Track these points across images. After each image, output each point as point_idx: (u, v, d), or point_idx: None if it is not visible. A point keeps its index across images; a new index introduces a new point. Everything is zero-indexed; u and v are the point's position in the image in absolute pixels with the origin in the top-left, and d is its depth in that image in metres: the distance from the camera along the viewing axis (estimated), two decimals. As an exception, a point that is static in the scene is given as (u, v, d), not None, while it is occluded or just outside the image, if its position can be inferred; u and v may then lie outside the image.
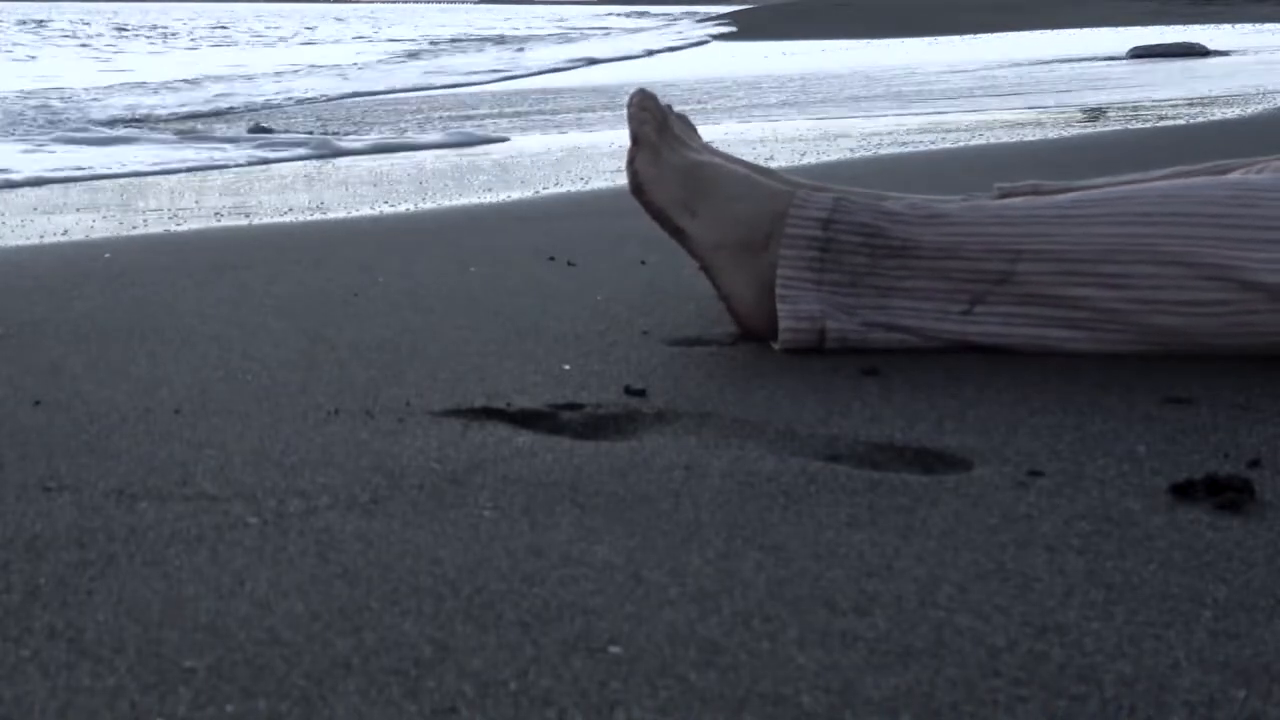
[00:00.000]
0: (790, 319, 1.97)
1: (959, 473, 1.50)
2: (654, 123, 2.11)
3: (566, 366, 1.94)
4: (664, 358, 2.00)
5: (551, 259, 2.82)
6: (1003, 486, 1.45)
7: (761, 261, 2.02)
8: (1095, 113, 7.08)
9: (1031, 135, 5.73)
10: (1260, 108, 6.88)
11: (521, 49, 21.30)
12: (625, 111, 2.17)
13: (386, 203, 4.21)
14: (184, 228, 3.70)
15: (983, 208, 2.00)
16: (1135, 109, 7.23)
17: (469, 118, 8.80)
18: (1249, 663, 1.05)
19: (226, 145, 6.79)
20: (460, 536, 1.31)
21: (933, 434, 1.62)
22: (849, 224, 1.99)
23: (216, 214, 4.09)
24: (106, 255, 3.04)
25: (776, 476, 1.48)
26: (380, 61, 17.95)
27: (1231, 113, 6.61)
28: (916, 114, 7.65)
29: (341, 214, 3.91)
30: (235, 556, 1.26)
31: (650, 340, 2.11)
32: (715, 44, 22.98)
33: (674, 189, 2.08)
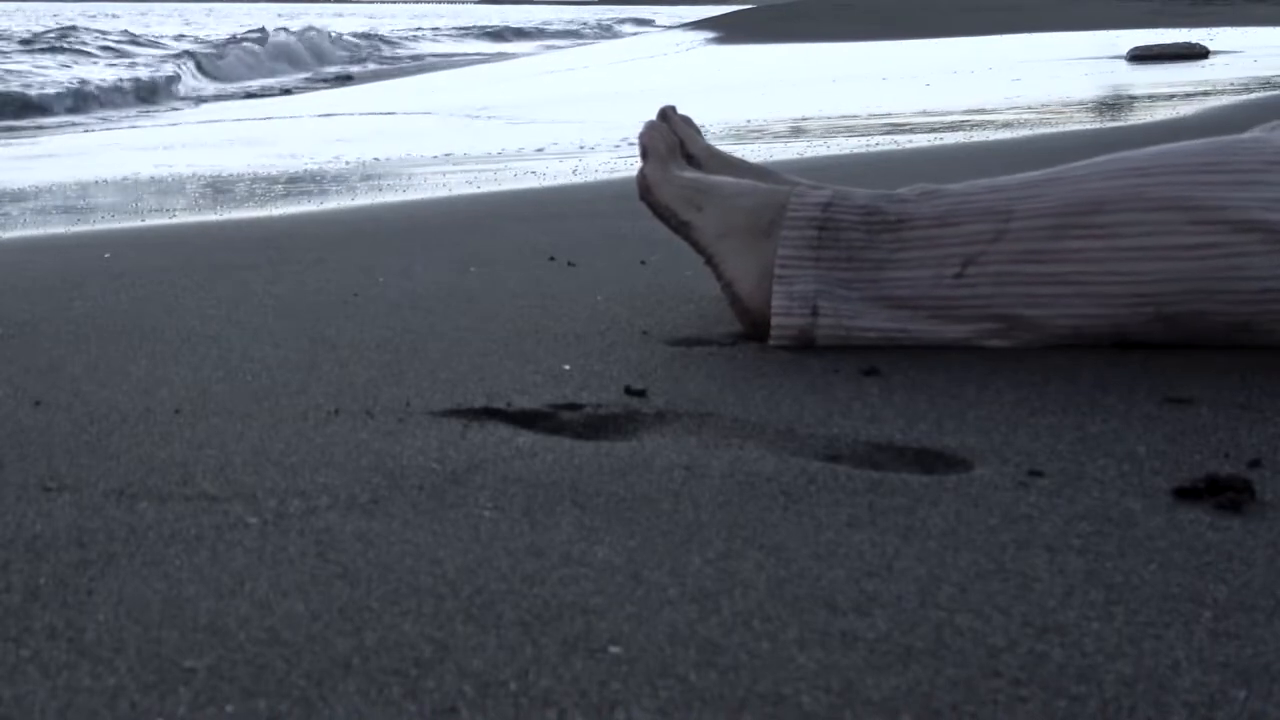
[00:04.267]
0: (784, 298, 2.01)
1: (959, 473, 1.50)
2: (664, 141, 2.25)
3: (566, 366, 1.94)
4: (664, 358, 2.00)
5: (551, 259, 2.83)
6: (1003, 486, 1.45)
7: (765, 248, 2.08)
8: (1113, 104, 7.08)
9: (1031, 132, 5.73)
10: (1258, 98, 6.88)
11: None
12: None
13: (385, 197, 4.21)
14: (184, 227, 3.70)
15: (977, 183, 2.06)
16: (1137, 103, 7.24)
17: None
18: (1249, 663, 1.05)
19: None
20: (460, 536, 1.31)
21: (933, 434, 1.62)
22: (848, 206, 2.06)
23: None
24: (106, 255, 3.04)
25: (776, 476, 1.48)
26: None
27: (1230, 104, 6.61)
28: (914, 115, 7.66)
29: (346, 206, 3.91)
30: (235, 556, 1.26)
31: (650, 340, 2.11)
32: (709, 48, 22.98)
33: (680, 189, 2.17)
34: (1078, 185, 1.95)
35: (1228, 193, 1.88)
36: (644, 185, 2.20)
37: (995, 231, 1.97)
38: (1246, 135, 1.99)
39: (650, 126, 2.26)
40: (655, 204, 2.19)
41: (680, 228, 2.16)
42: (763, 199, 2.11)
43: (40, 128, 11.32)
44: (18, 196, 5.01)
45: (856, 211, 2.05)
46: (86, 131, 10.57)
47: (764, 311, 2.06)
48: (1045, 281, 1.94)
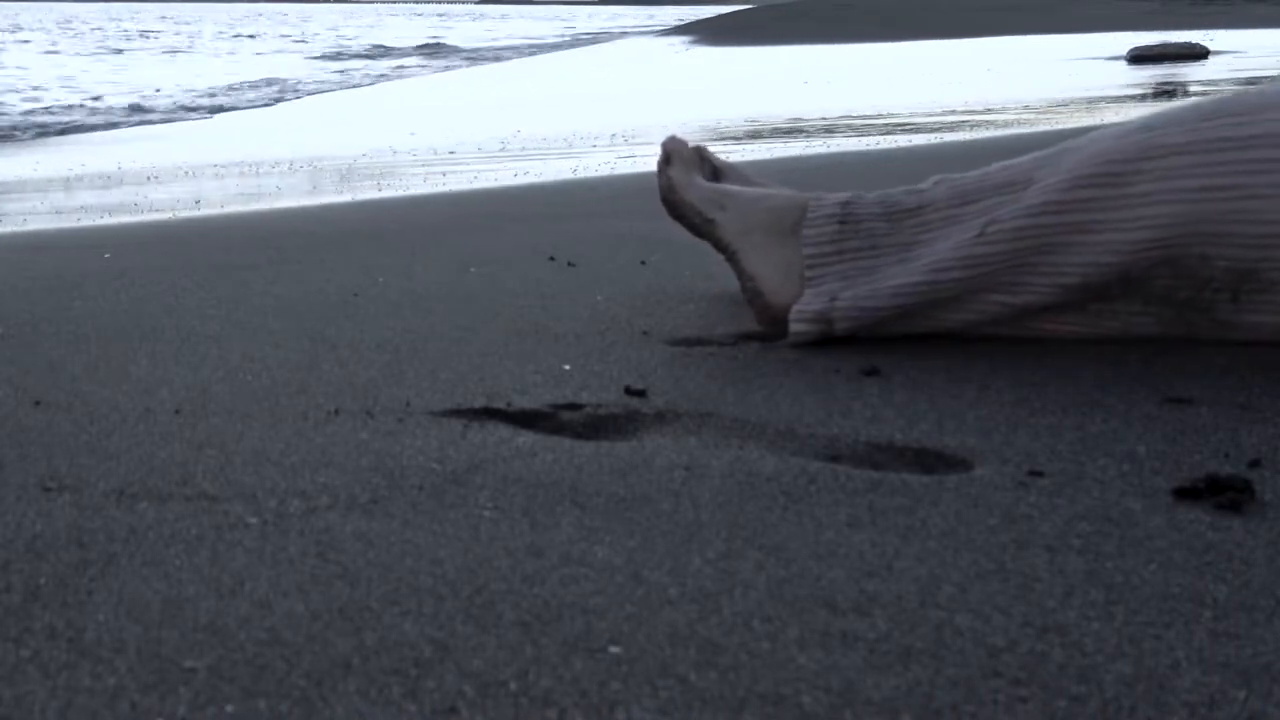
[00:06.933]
0: (809, 296, 2.06)
1: (959, 473, 1.50)
2: (688, 148, 2.32)
3: (566, 366, 1.94)
4: (664, 358, 2.00)
5: (551, 259, 2.83)
6: (1003, 486, 1.45)
7: (789, 245, 2.13)
8: (1113, 103, 7.09)
9: (1032, 130, 5.73)
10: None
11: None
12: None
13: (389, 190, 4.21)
14: (184, 227, 3.70)
15: (993, 165, 2.12)
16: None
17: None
18: (1249, 663, 1.05)
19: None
20: (460, 536, 1.31)
21: (933, 434, 1.62)
22: (867, 201, 2.12)
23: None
24: (106, 255, 3.04)
25: (776, 476, 1.48)
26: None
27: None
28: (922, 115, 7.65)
29: (345, 205, 3.91)
30: (235, 556, 1.26)
31: (650, 340, 2.11)
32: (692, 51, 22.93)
33: (704, 191, 2.23)
34: (1092, 148, 2.00)
35: (1233, 131, 1.92)
36: (667, 186, 2.24)
37: (1015, 198, 2.01)
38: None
39: (673, 136, 2.32)
40: (679, 203, 2.23)
41: (704, 225, 2.20)
42: (785, 201, 2.16)
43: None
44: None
45: (875, 205, 2.10)
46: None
47: (785, 308, 2.09)
48: (1059, 230, 1.97)
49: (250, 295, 2.51)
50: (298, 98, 14.87)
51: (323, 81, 17.68)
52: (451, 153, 6.83)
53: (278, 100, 14.61)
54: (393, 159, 6.63)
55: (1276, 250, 1.89)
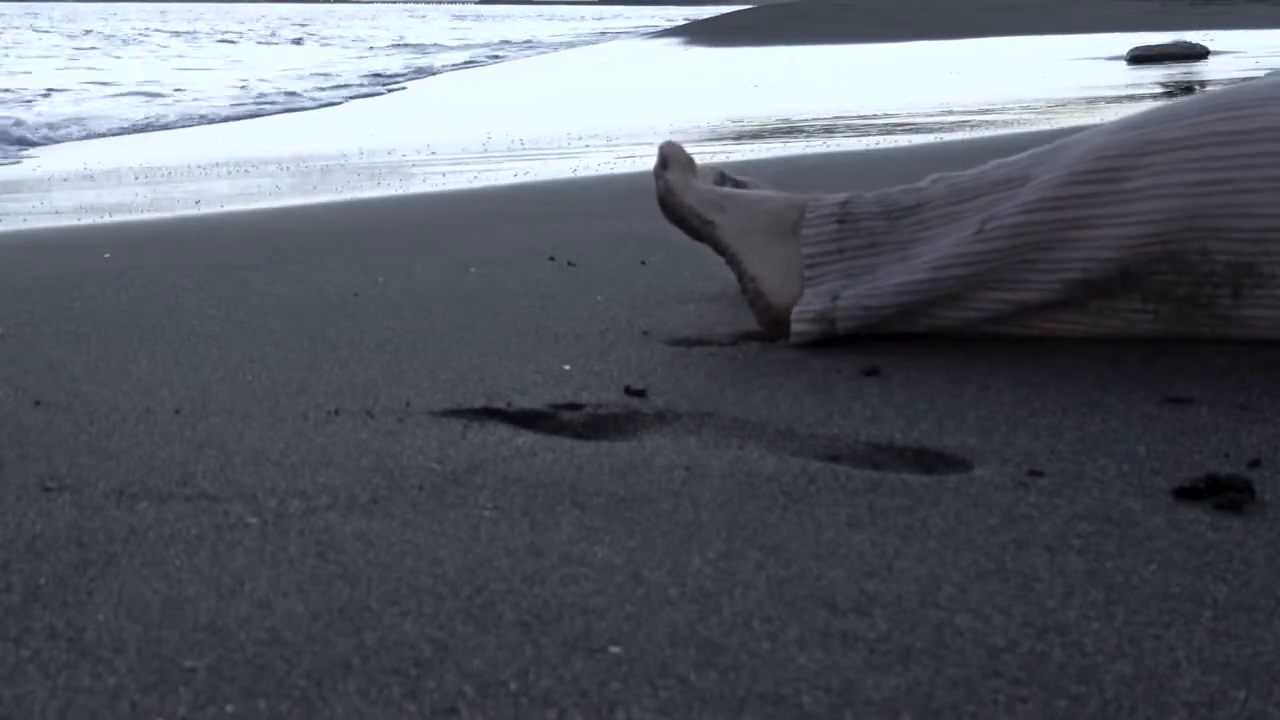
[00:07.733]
0: (810, 295, 2.07)
1: (959, 473, 1.50)
2: (684, 152, 2.32)
3: (566, 366, 1.94)
4: (664, 358, 2.00)
5: (551, 259, 2.83)
6: (1003, 486, 1.45)
7: (789, 244, 2.13)
8: (1112, 102, 7.10)
9: (1032, 129, 5.73)
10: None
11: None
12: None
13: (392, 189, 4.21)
14: (185, 227, 3.70)
15: (989, 163, 2.13)
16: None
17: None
18: (1249, 663, 1.05)
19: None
20: (460, 536, 1.31)
21: (933, 434, 1.62)
22: (865, 200, 2.13)
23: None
24: (106, 255, 3.04)
25: (776, 476, 1.48)
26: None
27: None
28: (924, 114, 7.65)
29: (345, 204, 3.91)
30: (235, 556, 1.26)
31: (650, 340, 2.11)
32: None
33: (703, 194, 2.23)
34: (1086, 146, 2.01)
35: (1229, 125, 1.93)
36: (665, 189, 2.23)
37: (1012, 196, 2.01)
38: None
39: (669, 140, 2.32)
40: (678, 206, 2.22)
41: (704, 227, 2.19)
42: (785, 202, 2.17)
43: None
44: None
45: (874, 204, 2.11)
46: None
47: (786, 309, 2.09)
48: (1057, 226, 1.97)
49: (250, 295, 2.51)
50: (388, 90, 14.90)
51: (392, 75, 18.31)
52: (434, 153, 6.84)
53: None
54: (388, 158, 6.63)
55: (1274, 244, 1.89)
